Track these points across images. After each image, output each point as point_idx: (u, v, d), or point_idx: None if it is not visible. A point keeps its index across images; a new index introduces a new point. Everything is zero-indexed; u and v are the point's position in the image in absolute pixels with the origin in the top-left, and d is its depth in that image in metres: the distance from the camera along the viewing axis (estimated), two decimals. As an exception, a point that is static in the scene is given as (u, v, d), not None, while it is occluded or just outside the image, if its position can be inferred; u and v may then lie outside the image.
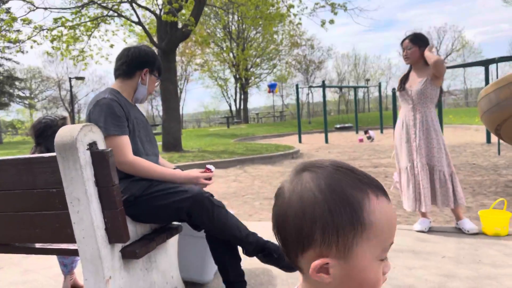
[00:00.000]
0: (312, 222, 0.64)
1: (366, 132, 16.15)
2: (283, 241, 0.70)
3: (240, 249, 2.40)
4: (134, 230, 2.17)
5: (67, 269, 2.86)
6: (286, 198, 0.69)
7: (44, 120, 2.79)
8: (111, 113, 2.24)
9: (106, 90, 2.42)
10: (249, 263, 3.10)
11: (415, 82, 3.67)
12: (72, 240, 1.99)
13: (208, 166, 2.50)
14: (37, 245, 2.32)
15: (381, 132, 19.29)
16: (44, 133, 2.73)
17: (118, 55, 2.52)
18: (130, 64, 2.44)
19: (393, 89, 13.39)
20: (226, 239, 2.32)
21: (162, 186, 2.31)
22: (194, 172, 2.43)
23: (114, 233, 1.92)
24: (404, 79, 3.79)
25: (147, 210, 2.27)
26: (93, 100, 2.36)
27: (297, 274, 2.85)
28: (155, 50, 11.93)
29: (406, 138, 3.73)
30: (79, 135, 1.81)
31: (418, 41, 3.63)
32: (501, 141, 7.16)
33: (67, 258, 2.84)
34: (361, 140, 15.55)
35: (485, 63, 11.14)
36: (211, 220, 2.23)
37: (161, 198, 2.27)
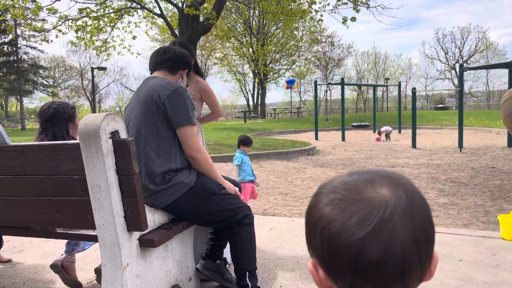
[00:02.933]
0: None
1: (379, 133, 15.70)
2: None
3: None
4: (152, 219, 2.20)
5: (68, 249, 2.76)
6: None
7: (55, 105, 2.70)
8: (191, 104, 2.35)
9: (163, 79, 2.42)
10: (262, 257, 3.12)
11: None
12: (91, 226, 2.03)
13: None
14: (58, 230, 2.37)
15: (399, 132, 19.08)
16: (53, 118, 2.67)
17: (163, 49, 2.58)
18: (177, 61, 2.54)
19: (413, 88, 13.20)
20: (236, 253, 2.43)
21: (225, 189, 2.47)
22: (233, 187, 2.55)
23: (133, 221, 1.96)
24: None
25: (209, 209, 2.37)
26: (162, 86, 2.33)
27: (307, 270, 2.85)
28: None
29: None
30: (102, 123, 1.84)
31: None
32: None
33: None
34: (378, 139, 15.41)
35: (509, 65, 10.91)
36: (245, 232, 2.41)
37: (226, 201, 2.40)
